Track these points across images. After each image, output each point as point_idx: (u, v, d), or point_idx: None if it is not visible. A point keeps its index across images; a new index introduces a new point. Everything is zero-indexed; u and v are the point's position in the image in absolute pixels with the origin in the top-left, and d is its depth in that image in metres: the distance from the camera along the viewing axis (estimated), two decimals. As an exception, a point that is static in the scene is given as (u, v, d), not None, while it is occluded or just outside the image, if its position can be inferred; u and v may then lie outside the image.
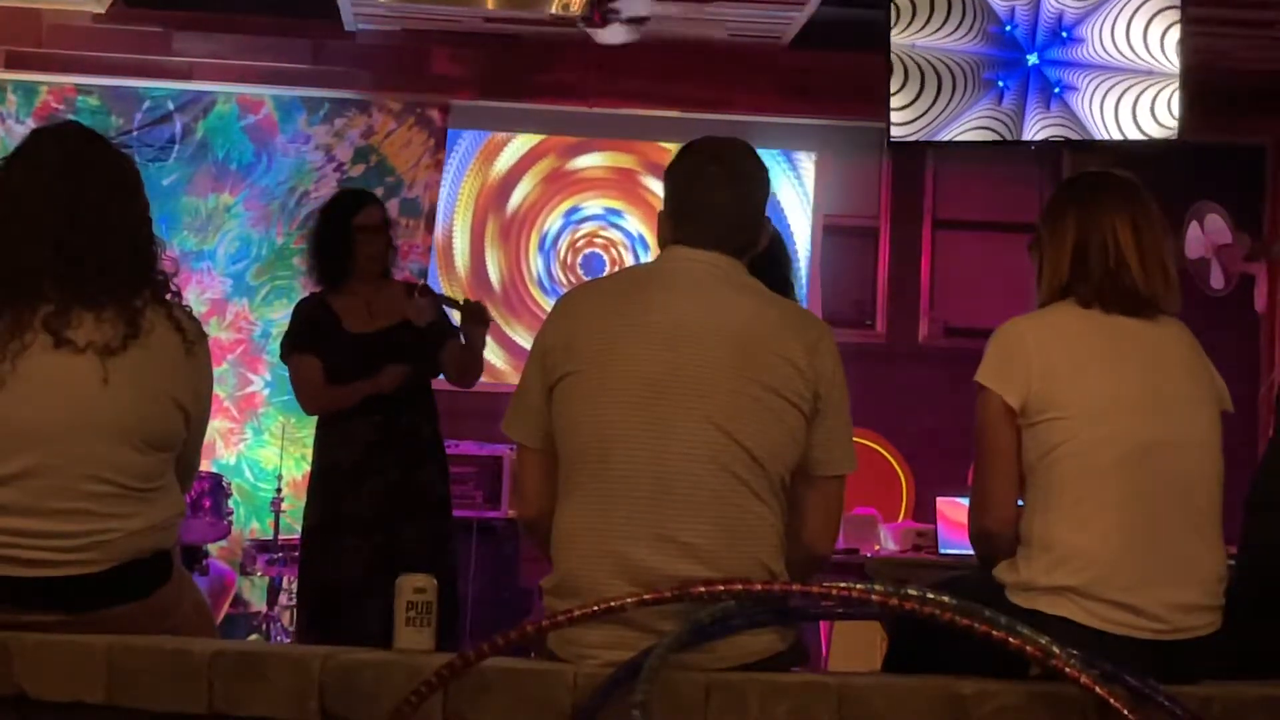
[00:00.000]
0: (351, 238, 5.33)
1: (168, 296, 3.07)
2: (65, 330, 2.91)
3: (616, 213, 8.50)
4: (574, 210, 8.52)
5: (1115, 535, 2.85)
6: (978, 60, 7.03)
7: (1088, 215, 3.04)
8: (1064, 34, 7.05)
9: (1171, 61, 6.69)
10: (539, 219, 8.52)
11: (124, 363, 2.93)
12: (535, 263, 8.48)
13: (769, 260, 3.99)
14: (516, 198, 8.44)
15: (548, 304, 8.47)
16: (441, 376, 5.53)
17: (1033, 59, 7.01)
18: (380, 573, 5.03)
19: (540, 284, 8.51)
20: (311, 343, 5.32)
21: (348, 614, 5.13)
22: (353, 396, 5.26)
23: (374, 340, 5.28)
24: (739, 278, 2.91)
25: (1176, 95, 6.69)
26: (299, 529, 5.64)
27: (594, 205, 8.56)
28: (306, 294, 5.62)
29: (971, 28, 7.03)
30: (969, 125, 7.03)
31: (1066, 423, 2.90)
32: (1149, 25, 6.74)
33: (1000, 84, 7.08)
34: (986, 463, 2.99)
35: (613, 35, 7.07)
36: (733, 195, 2.94)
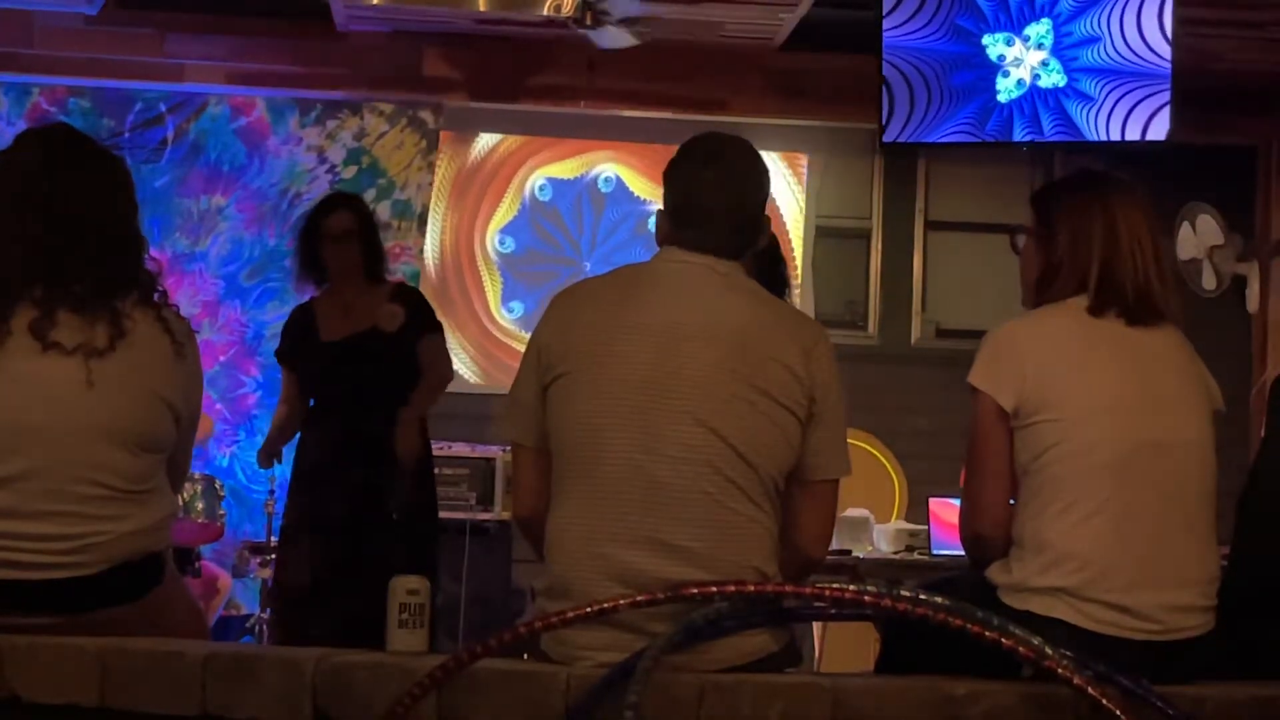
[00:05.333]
0: (320, 244, 5.37)
1: (155, 297, 3.06)
2: (51, 333, 2.91)
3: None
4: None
5: (1109, 536, 2.85)
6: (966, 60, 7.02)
7: (1112, 224, 3.01)
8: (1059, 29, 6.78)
9: (1164, 63, 6.68)
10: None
11: (112, 365, 2.92)
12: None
13: (768, 261, 3.99)
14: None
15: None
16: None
17: (1025, 57, 6.99)
18: (340, 576, 5.13)
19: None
20: (290, 353, 5.54)
21: (306, 615, 5.18)
22: (274, 431, 5.63)
23: (341, 347, 5.33)
24: (736, 279, 2.90)
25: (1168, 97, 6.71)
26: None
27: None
28: (305, 297, 5.69)
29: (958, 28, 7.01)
30: (960, 127, 7.02)
31: (1059, 424, 2.89)
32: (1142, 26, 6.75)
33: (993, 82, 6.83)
34: (979, 465, 2.99)
35: (612, 39, 7.05)
36: (731, 197, 2.92)
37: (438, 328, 5.56)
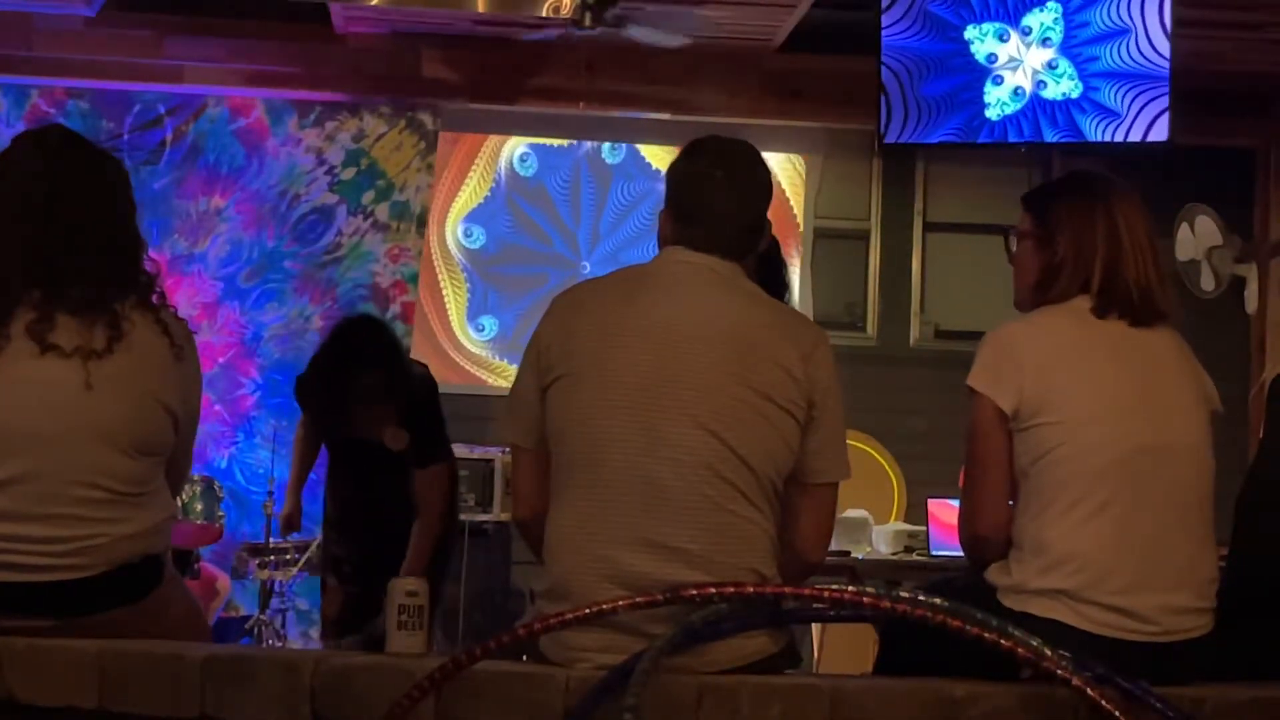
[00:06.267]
0: (343, 400, 5.22)
1: (153, 299, 3.06)
2: (49, 336, 2.91)
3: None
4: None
5: (1108, 539, 2.85)
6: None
7: (1114, 226, 3.02)
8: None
9: (1163, 65, 6.49)
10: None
11: (110, 367, 2.92)
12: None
13: (767, 263, 4.00)
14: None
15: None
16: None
17: (1023, 57, 6.84)
18: (353, 618, 5.29)
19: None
20: (305, 399, 5.55)
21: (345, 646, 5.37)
22: (291, 481, 5.84)
23: (355, 448, 5.44)
24: (737, 281, 2.91)
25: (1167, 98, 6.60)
26: (292, 533, 6.07)
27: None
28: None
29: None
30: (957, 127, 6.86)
31: (1059, 427, 2.90)
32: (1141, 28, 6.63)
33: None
34: (978, 468, 2.99)
35: (652, 36, 6.96)
36: (736, 199, 2.93)
37: (440, 458, 5.41)
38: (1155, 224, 3.11)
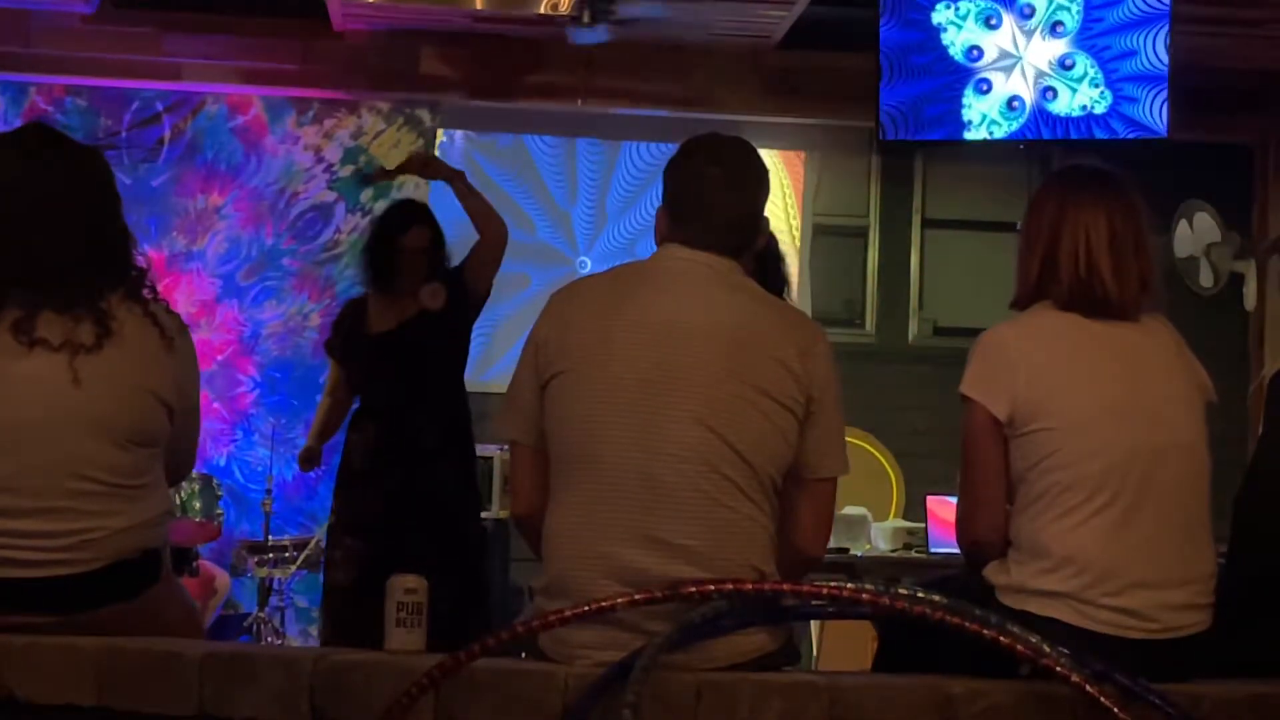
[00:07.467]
0: (396, 256, 5.43)
1: (144, 293, 3.05)
2: (35, 333, 2.90)
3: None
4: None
5: (1108, 541, 2.85)
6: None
7: (1062, 216, 3.03)
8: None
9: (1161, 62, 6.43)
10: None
11: (97, 361, 2.92)
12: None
13: (765, 260, 4.02)
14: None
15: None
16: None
17: (1021, 53, 6.78)
18: (383, 575, 5.19)
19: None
20: (337, 347, 5.64)
21: (353, 613, 5.27)
22: (315, 428, 5.80)
23: (390, 339, 5.44)
24: (734, 278, 2.91)
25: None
26: (291, 530, 5.92)
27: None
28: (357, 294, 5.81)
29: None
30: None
31: (1054, 433, 2.89)
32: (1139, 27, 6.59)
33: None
34: (974, 474, 2.98)
35: (592, 35, 7.00)
36: (733, 196, 2.94)
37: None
38: (1150, 219, 3.10)
